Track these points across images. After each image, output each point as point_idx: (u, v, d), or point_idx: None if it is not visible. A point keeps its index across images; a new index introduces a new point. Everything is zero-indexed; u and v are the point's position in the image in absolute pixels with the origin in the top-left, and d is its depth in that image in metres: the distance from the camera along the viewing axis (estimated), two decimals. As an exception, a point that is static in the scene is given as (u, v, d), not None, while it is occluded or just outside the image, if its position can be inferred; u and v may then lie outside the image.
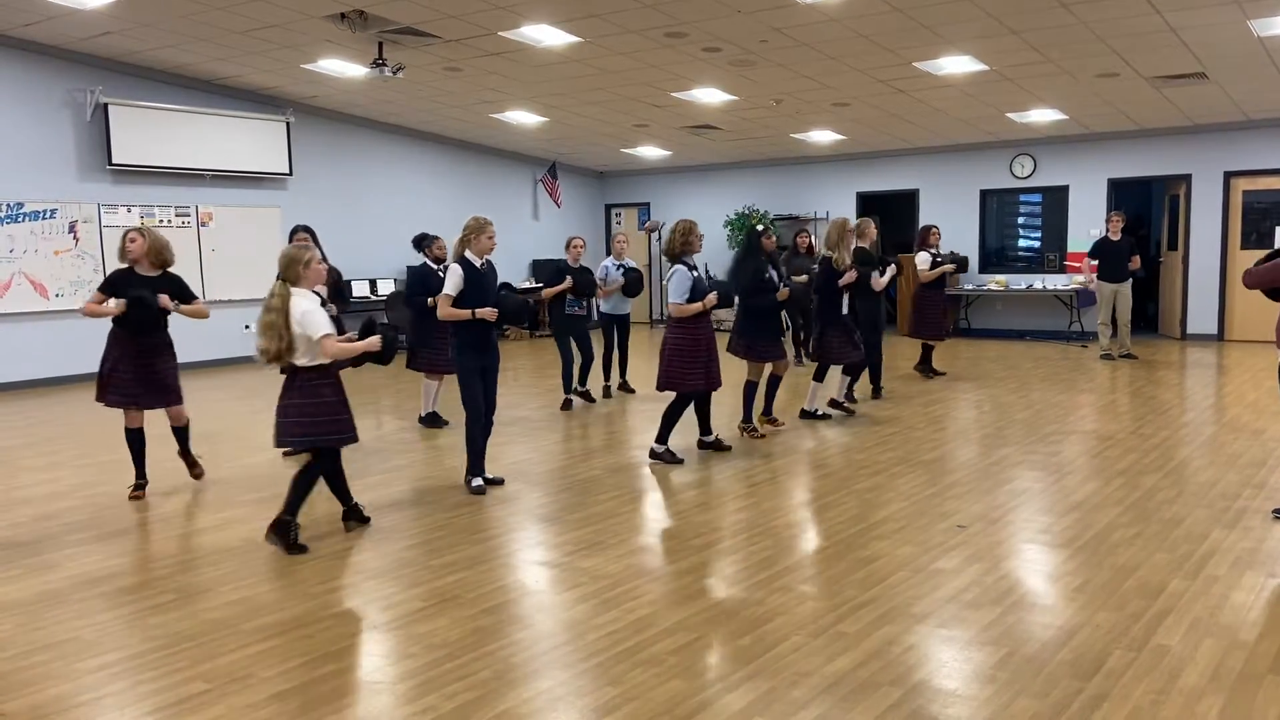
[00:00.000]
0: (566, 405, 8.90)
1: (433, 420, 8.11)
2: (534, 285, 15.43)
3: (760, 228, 7.72)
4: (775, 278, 7.36)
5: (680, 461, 6.61)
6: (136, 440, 6.02)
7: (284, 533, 4.83)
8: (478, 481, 5.89)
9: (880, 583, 4.25)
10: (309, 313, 4.69)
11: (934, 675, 3.36)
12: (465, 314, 5.63)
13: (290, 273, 4.76)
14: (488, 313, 5.65)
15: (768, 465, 6.58)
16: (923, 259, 10.03)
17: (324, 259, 6.92)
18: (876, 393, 9.18)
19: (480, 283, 5.70)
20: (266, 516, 5.55)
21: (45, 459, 7.19)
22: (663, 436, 6.66)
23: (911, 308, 10.42)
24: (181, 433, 6.26)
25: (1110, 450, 6.83)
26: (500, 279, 6.04)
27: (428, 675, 3.41)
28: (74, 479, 6.51)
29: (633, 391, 9.66)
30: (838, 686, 3.26)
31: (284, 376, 4.91)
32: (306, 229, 7.00)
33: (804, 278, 9.30)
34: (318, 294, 4.93)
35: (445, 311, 5.66)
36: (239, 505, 5.79)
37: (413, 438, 7.72)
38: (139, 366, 5.88)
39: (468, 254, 5.71)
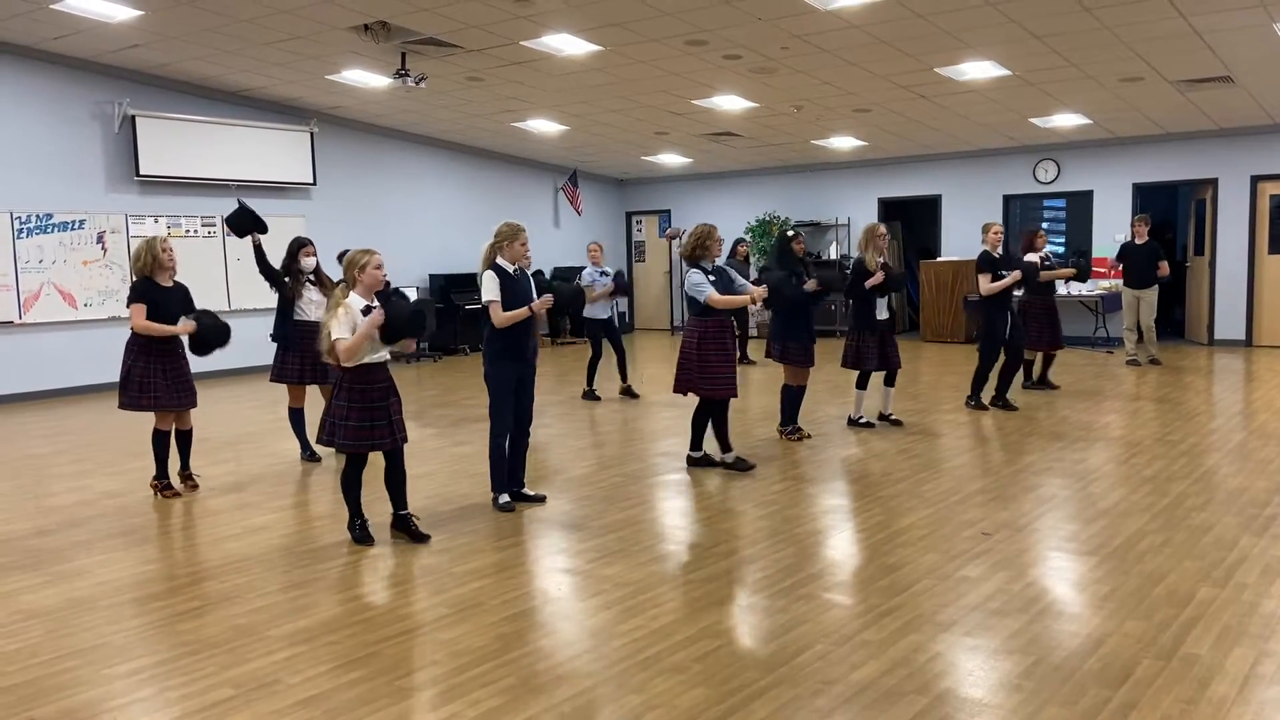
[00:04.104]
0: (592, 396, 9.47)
1: None
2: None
3: (790, 233, 7.73)
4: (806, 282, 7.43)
5: (752, 467, 6.55)
6: (166, 441, 6.23)
7: (349, 530, 5.17)
8: (504, 499, 5.71)
9: (905, 590, 4.23)
10: (336, 321, 4.85)
11: (960, 684, 3.34)
12: (522, 312, 5.46)
13: (347, 275, 4.98)
14: (545, 300, 5.52)
15: (790, 473, 6.56)
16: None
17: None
18: (999, 400, 8.75)
19: (515, 289, 5.52)
20: (289, 524, 5.61)
21: (74, 467, 7.28)
22: (724, 445, 6.62)
23: (1022, 317, 9.40)
24: (188, 438, 6.39)
25: (1137, 457, 6.76)
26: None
27: (452, 682, 3.42)
28: (102, 487, 6.58)
29: (636, 396, 9.87)
30: (862, 695, 3.24)
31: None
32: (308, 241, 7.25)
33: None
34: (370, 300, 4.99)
35: (501, 318, 5.44)
36: (263, 512, 5.83)
37: (436, 445, 7.75)
38: (169, 370, 6.11)
39: (500, 260, 5.53)
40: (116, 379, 6.18)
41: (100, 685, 3.47)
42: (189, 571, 4.77)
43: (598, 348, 9.85)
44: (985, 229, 8.76)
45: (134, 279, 6.11)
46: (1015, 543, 4.89)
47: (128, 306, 6.03)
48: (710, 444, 6.74)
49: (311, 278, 7.14)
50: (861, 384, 8.03)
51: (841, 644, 3.66)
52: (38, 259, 10.80)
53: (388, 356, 5.06)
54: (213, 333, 6.06)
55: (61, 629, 4.02)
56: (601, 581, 4.45)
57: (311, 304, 7.09)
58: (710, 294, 6.30)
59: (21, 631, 4.00)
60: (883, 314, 7.85)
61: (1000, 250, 8.69)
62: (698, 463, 6.75)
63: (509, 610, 4.11)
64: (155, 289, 6.03)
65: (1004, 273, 8.58)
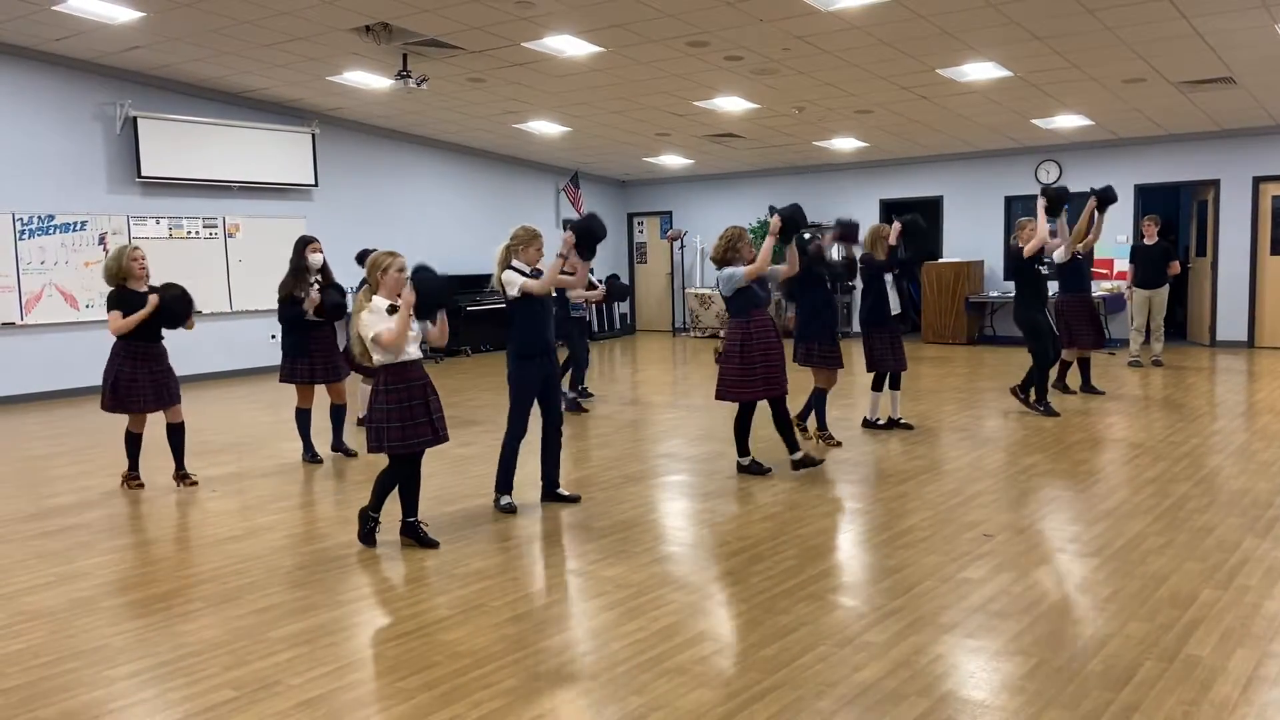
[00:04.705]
0: (573, 407, 9.30)
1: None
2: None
3: (808, 236, 7.63)
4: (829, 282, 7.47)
5: (768, 471, 6.46)
6: (138, 441, 6.47)
7: (361, 520, 5.14)
8: (506, 500, 5.71)
9: (907, 592, 4.23)
10: (366, 322, 4.82)
11: (962, 685, 3.34)
12: (557, 264, 5.48)
13: (370, 277, 4.94)
14: (568, 239, 5.49)
15: (792, 474, 6.54)
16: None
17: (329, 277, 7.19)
18: (1040, 402, 8.46)
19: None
20: (291, 525, 5.61)
21: (76, 468, 7.28)
22: (741, 449, 6.53)
23: (1058, 317, 9.33)
24: (179, 431, 6.49)
25: (1140, 458, 6.76)
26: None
27: (453, 684, 3.42)
28: (103, 487, 6.58)
29: (591, 395, 10.04)
30: (864, 696, 3.24)
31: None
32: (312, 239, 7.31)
33: None
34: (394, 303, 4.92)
35: (541, 284, 5.47)
36: (265, 514, 5.83)
37: (438, 446, 7.72)
38: (155, 371, 6.30)
39: (515, 263, 5.57)
40: None
41: (102, 686, 3.47)
42: (190, 573, 4.77)
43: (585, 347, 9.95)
44: (1020, 226, 8.42)
45: (109, 288, 6.26)
46: (1017, 544, 4.89)
47: (108, 313, 6.24)
48: (763, 447, 6.71)
49: (318, 277, 7.14)
50: (877, 385, 7.88)
51: (844, 645, 3.66)
52: (39, 260, 10.81)
53: (420, 354, 5.02)
54: (176, 302, 6.21)
55: (63, 630, 4.02)
56: (603, 583, 4.45)
57: None
58: (744, 270, 6.22)
59: (23, 632, 4.00)
60: (895, 308, 7.70)
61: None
62: (802, 464, 6.50)
63: (511, 611, 4.11)
64: (129, 295, 6.20)
65: (1047, 261, 8.40)
